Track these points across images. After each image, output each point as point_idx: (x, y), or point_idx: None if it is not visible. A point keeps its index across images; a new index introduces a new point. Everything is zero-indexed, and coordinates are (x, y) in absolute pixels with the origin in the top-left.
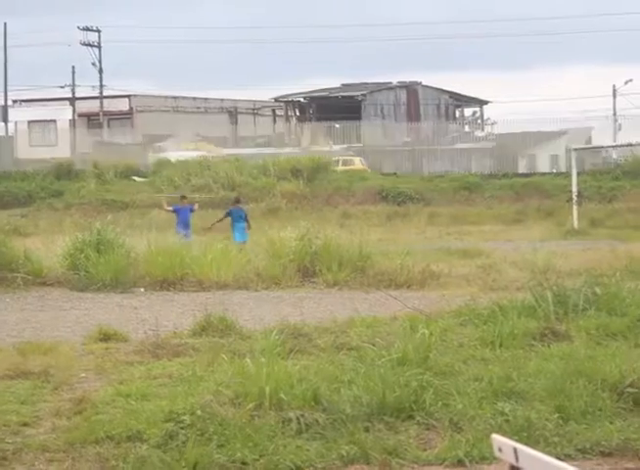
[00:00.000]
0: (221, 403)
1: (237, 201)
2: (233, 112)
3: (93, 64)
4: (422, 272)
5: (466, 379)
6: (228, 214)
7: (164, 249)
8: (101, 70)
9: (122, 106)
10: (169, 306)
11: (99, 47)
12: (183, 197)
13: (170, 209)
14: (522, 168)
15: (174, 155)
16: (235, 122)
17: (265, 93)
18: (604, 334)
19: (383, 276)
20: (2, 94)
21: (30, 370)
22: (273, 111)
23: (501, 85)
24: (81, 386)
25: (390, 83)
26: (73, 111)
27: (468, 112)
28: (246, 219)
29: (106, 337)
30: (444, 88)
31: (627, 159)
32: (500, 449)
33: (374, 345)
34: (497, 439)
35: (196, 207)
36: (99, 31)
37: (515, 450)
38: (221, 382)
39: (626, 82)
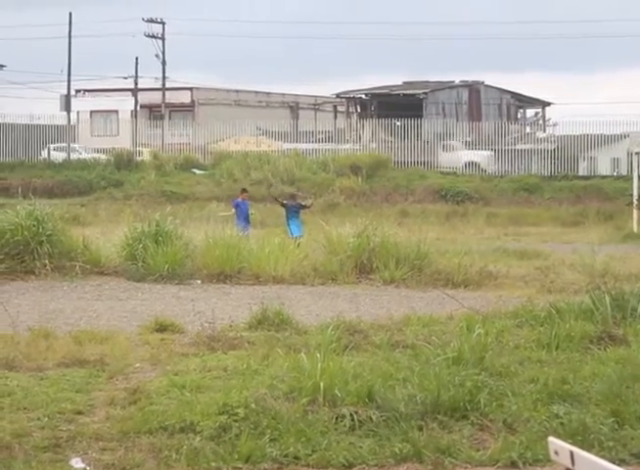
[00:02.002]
0: (275, 398)
1: (292, 197)
2: (294, 107)
3: (156, 55)
4: (479, 272)
5: (521, 381)
6: (284, 205)
7: (222, 241)
8: (164, 62)
9: (184, 98)
10: (226, 299)
11: (163, 39)
12: (244, 190)
13: (232, 210)
14: (582, 171)
15: None
16: (296, 117)
17: (327, 89)
18: None
19: (440, 275)
20: (65, 83)
21: (86, 359)
22: (334, 107)
23: (564, 87)
24: (136, 376)
25: (453, 82)
26: (135, 102)
27: (530, 112)
28: (302, 207)
29: (162, 328)
30: (507, 88)
31: None
32: (556, 452)
33: (429, 343)
34: (554, 442)
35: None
36: (163, 23)
37: (571, 454)
38: (276, 376)
39: None
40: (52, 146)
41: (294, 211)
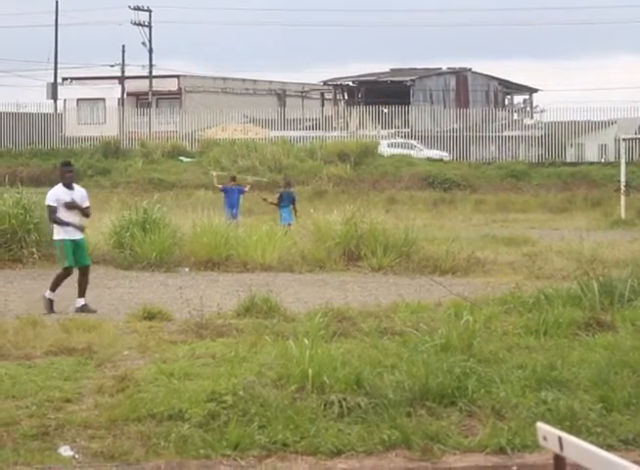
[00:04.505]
0: (263, 385)
1: (288, 184)
2: (281, 94)
3: (143, 43)
4: (467, 259)
5: (509, 367)
6: (280, 198)
7: (210, 229)
8: (151, 50)
9: (171, 86)
10: (214, 287)
11: (149, 27)
12: (233, 178)
13: (220, 187)
14: (570, 157)
15: None
16: (283, 105)
17: (314, 76)
18: None
19: (428, 262)
20: (52, 72)
21: (74, 347)
22: (322, 94)
23: (550, 73)
24: (124, 363)
25: (440, 69)
26: (122, 90)
27: (517, 99)
28: (294, 204)
29: (150, 315)
30: (494, 75)
31: None
32: (545, 438)
33: (418, 330)
34: (542, 427)
35: (247, 188)
36: (150, 11)
37: (560, 440)
38: (264, 363)
39: None
40: (385, 142)
41: (286, 198)
